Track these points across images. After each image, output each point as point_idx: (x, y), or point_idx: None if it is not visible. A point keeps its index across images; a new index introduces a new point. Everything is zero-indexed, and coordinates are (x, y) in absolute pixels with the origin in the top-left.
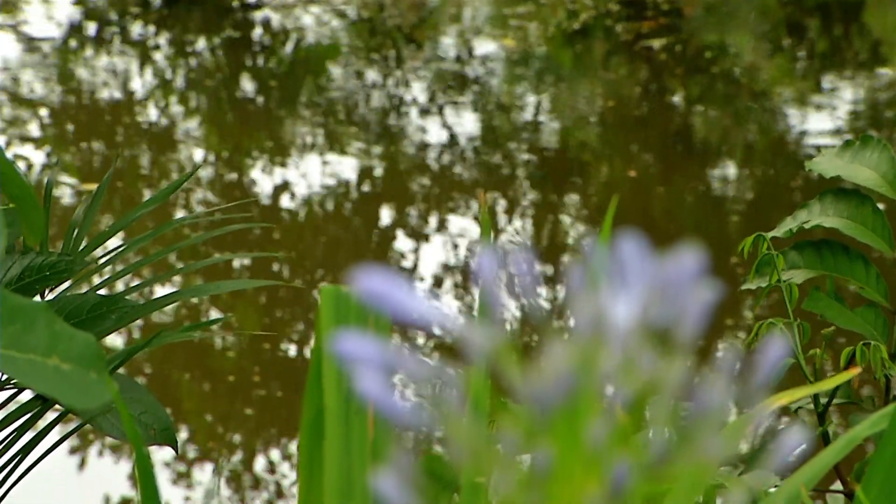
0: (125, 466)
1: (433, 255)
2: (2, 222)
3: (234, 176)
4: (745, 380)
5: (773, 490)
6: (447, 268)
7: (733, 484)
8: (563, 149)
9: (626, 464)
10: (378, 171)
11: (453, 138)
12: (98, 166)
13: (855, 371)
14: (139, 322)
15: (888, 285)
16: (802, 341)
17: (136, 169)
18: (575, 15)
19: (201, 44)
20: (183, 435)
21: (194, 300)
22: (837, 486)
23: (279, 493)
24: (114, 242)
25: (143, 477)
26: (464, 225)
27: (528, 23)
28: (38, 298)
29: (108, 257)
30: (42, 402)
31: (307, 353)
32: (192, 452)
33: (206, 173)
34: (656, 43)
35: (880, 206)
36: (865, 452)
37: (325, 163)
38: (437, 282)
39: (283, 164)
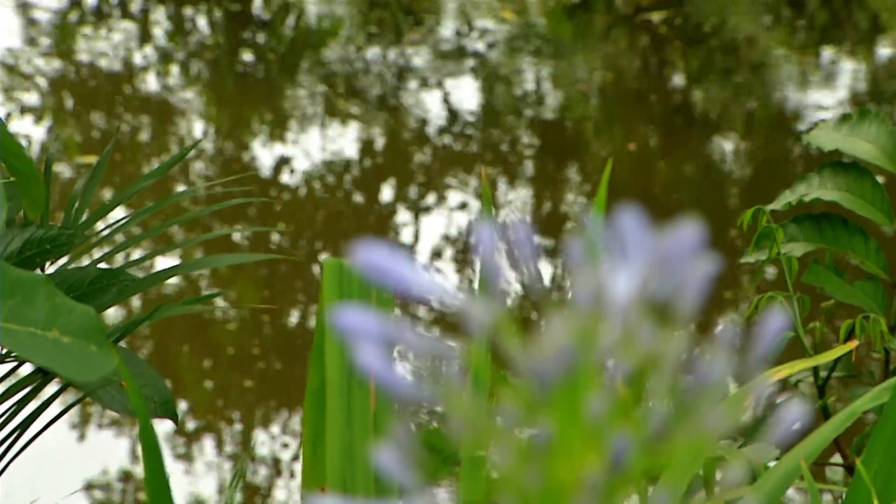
0: (125, 439)
1: (433, 228)
2: (2, 196)
3: (233, 149)
4: (745, 353)
5: (773, 463)
6: (447, 241)
7: (733, 457)
8: (563, 121)
9: (625, 437)
10: (378, 145)
11: (452, 112)
12: (98, 140)
13: (853, 344)
14: (139, 295)
15: (887, 259)
16: (802, 314)
17: (136, 142)
18: None
19: (201, 16)
20: (182, 406)
21: (194, 273)
22: (837, 459)
23: (278, 466)
24: (114, 216)
25: (148, 450)
26: (464, 198)
27: None
28: (38, 272)
29: (108, 231)
30: (42, 376)
31: (307, 325)
32: (190, 425)
33: (205, 146)
34: (656, 16)
35: (879, 179)
36: (864, 426)
37: (324, 136)
38: (438, 255)
39: (282, 138)
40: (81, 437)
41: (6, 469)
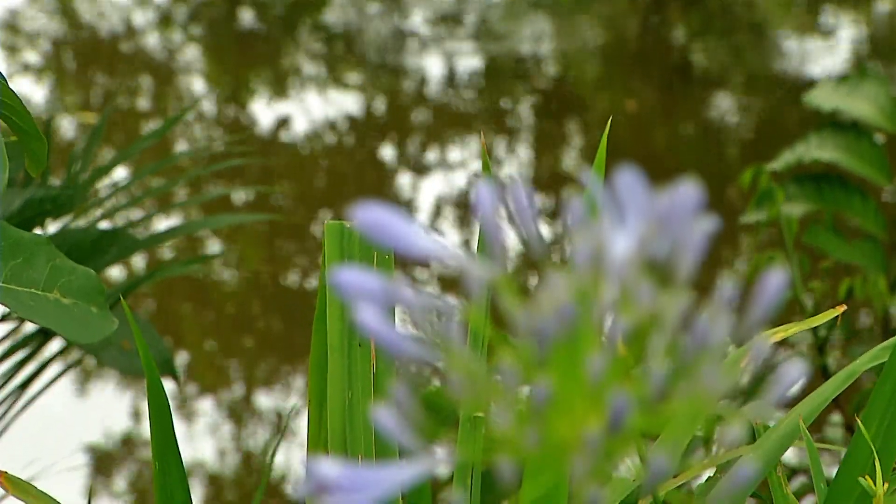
0: (127, 399)
1: (433, 188)
2: (4, 155)
3: (233, 109)
4: (744, 313)
5: (772, 423)
6: (448, 201)
7: (732, 416)
8: (562, 81)
9: (625, 397)
10: (377, 105)
11: (452, 71)
12: (97, 100)
13: (841, 308)
14: (140, 254)
15: (886, 218)
16: (802, 274)
17: (136, 102)
18: None
19: None
20: (182, 366)
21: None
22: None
23: (279, 427)
24: (114, 176)
25: (157, 409)
26: (464, 158)
27: None
28: (40, 232)
29: (109, 191)
30: (44, 336)
31: (307, 285)
32: (190, 385)
33: (205, 106)
34: None
35: (879, 138)
36: (863, 385)
37: (324, 96)
38: (438, 215)
39: (283, 97)
40: (83, 396)
41: (7, 428)
